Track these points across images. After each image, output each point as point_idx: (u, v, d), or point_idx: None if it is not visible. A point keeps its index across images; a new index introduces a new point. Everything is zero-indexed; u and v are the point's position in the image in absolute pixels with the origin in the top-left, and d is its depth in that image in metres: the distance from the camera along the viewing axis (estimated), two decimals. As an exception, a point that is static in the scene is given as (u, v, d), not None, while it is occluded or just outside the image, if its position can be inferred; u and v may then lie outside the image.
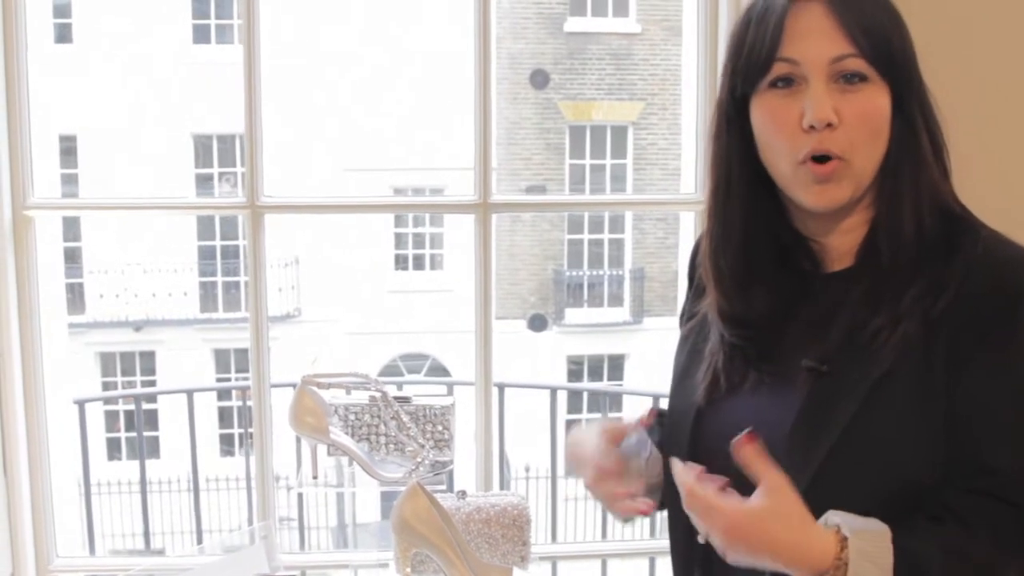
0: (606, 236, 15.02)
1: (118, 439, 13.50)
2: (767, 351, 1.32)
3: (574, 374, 14.89)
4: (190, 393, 3.73)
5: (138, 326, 13.90)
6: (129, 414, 13.55)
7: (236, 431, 13.64)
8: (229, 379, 13.88)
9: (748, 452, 1.17)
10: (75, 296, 13.59)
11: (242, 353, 14.42)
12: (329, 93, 13.73)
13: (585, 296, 14.91)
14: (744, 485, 1.19)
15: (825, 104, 1.22)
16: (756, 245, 1.33)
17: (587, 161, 14.70)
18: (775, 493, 1.15)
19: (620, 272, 14.99)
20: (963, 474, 1.19)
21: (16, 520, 2.37)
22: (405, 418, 2.11)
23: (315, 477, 2.11)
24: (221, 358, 14.45)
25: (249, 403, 2.47)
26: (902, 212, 1.26)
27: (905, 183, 1.26)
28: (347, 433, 2.16)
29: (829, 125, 1.23)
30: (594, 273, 14.95)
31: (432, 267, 15.01)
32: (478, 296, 2.44)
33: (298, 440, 2.87)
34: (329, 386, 2.05)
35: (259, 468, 2.43)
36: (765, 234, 1.33)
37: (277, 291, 14.31)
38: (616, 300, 14.93)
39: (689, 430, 1.37)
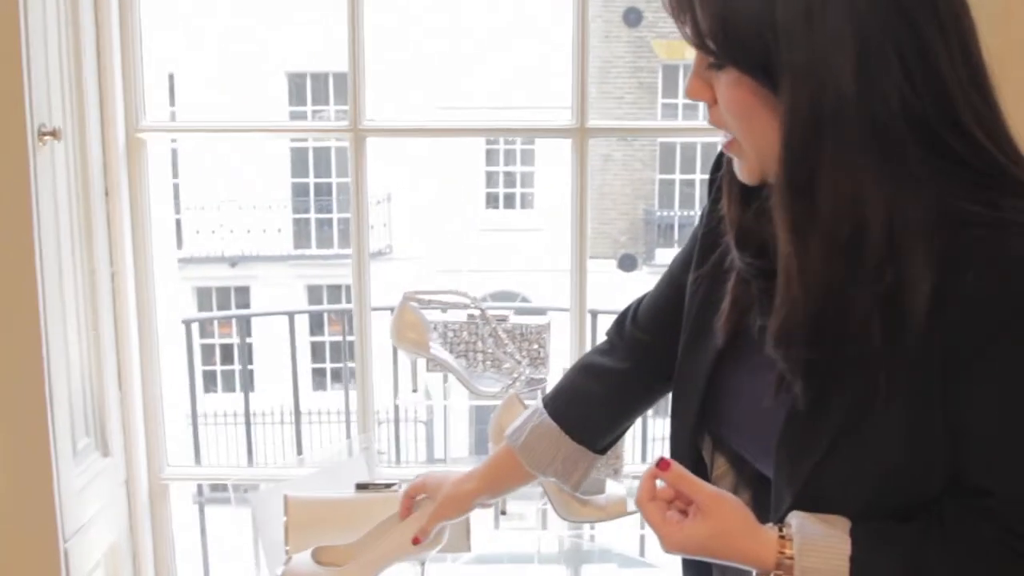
0: (697, 176, 14.93)
1: (214, 372, 13.83)
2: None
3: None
4: (291, 316, 3.85)
5: (233, 261, 14.18)
6: (225, 348, 13.87)
7: (329, 365, 13.91)
8: (322, 315, 14.12)
9: (669, 478, 1.19)
10: (173, 232, 13.91)
11: (334, 289, 14.66)
12: (424, 31, 13.78)
13: (676, 236, 14.86)
14: (754, 452, 1.24)
15: (689, 83, 1.17)
16: None
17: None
18: (709, 514, 1.17)
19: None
20: (960, 489, 1.12)
21: (130, 431, 2.49)
22: (503, 335, 2.17)
23: (415, 390, 2.19)
24: (314, 294, 14.69)
25: (349, 338, 2.56)
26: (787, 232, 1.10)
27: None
28: (446, 349, 2.23)
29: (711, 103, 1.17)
30: (685, 213, 14.89)
31: (523, 206, 15.07)
32: (574, 220, 2.49)
33: (395, 373, 2.95)
34: (429, 302, 2.13)
35: (359, 385, 2.52)
36: None
37: (369, 228, 14.48)
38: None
39: (701, 391, 1.31)
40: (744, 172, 1.19)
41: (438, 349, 2.18)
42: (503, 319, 2.23)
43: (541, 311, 2.36)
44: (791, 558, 1.13)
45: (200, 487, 4.16)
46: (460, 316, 2.27)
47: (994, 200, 1.08)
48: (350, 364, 2.52)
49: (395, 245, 14.69)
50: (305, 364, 13.83)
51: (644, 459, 4.19)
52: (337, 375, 14.04)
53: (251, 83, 13.92)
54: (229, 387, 13.65)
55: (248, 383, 10.38)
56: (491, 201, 15.11)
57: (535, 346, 2.22)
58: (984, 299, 1.05)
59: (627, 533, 2.61)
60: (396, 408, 4.08)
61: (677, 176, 14.94)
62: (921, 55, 1.06)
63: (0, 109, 1.94)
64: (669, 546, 1.18)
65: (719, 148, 1.25)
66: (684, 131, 4.52)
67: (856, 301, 1.08)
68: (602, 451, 1.56)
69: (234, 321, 12.92)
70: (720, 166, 1.31)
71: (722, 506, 1.17)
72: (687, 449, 1.33)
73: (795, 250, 1.09)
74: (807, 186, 1.07)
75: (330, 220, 14.79)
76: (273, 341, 11.77)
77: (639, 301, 1.54)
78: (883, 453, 1.11)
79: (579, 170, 2.45)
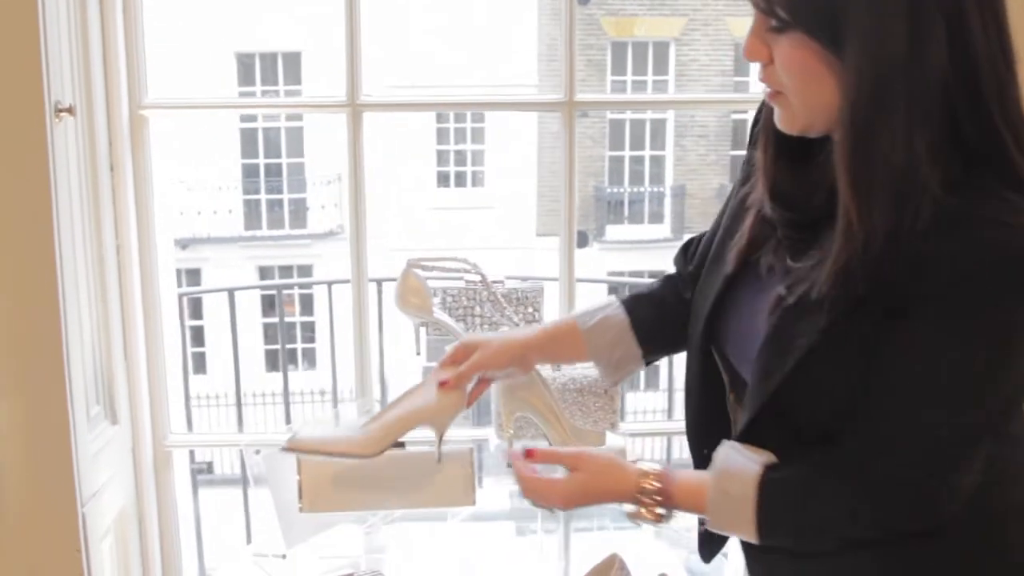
0: (647, 153, 15.07)
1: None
2: (799, 250, 1.33)
3: (614, 290, 15.00)
4: (231, 292, 4.00)
5: (184, 244, 14.12)
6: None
7: (282, 347, 13.89)
8: (273, 296, 14.09)
9: (539, 459, 1.48)
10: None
11: (286, 270, 14.64)
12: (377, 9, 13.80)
13: (626, 213, 15.00)
14: (746, 370, 1.39)
15: (748, 43, 1.27)
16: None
17: (629, 78, 14.70)
18: (577, 467, 1.44)
19: (661, 189, 15.06)
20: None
21: (136, 400, 2.56)
22: (501, 299, 2.27)
23: (418, 354, 2.28)
24: (266, 275, 14.68)
25: (305, 319, 2.65)
26: (849, 186, 1.22)
27: (850, 149, 1.21)
28: (447, 314, 2.32)
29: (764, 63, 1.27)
30: (635, 190, 15.03)
31: (474, 184, 15.13)
32: (566, 193, 2.59)
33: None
34: (432, 268, 2.21)
35: (356, 352, 2.61)
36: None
37: (320, 208, 14.46)
38: (656, 217, 15.01)
39: (709, 310, 1.46)
40: (785, 122, 1.29)
41: (440, 313, 2.27)
42: (499, 284, 2.33)
43: (533, 279, 2.47)
44: (655, 489, 1.38)
45: (193, 473, 4.23)
46: (458, 282, 2.37)
47: (978, 187, 1.19)
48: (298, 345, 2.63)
49: (346, 225, 14.68)
50: (257, 344, 13.81)
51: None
52: (293, 357, 14.06)
53: (200, 63, 13.84)
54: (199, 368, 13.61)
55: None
56: (442, 180, 15.16)
57: (530, 309, 2.32)
58: (934, 262, 1.17)
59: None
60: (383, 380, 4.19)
61: (627, 152, 15.07)
62: (960, 22, 1.18)
63: (20, 87, 2.00)
64: (558, 501, 1.45)
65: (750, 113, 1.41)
66: (681, 104, 4.65)
67: (903, 246, 1.19)
68: (649, 362, 1.70)
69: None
70: (758, 120, 1.42)
71: (584, 459, 1.44)
72: (696, 362, 1.51)
73: (856, 199, 1.20)
74: (867, 141, 1.19)
75: (280, 201, 14.77)
76: (223, 321, 11.68)
77: (700, 235, 1.67)
78: (838, 378, 1.25)
79: (568, 142, 2.54)
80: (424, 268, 2.24)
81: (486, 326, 2.34)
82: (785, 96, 1.26)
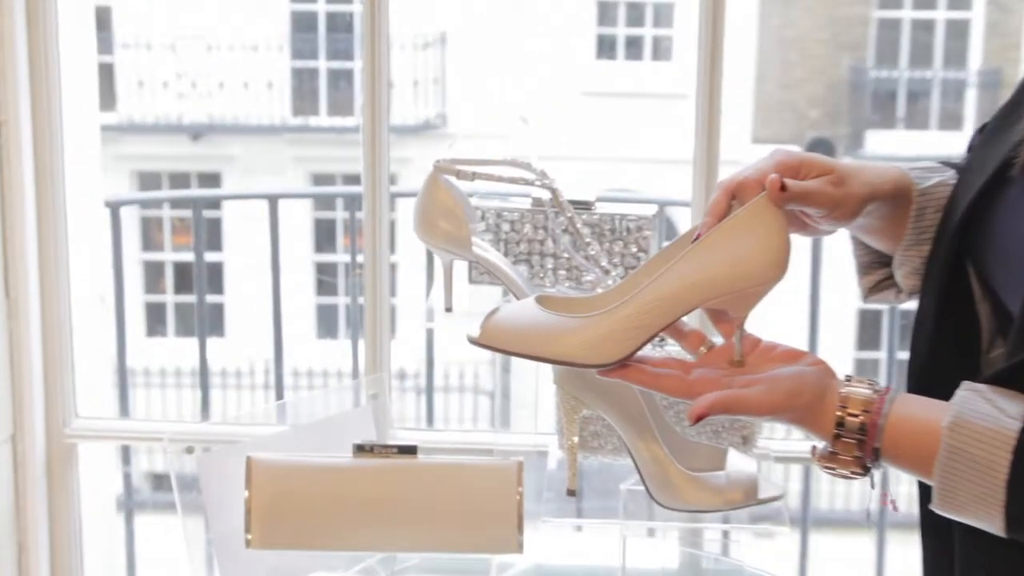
0: (941, 15, 14.82)
1: (162, 305, 14.08)
2: None
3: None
4: (273, 199, 4.04)
5: (197, 132, 14.33)
6: (182, 269, 14.10)
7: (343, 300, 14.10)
8: (334, 219, 14.25)
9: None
10: (102, 83, 14.02)
11: (355, 179, 14.74)
12: None
13: (901, 111, 14.79)
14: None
15: None
16: None
17: None
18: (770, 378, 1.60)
19: (961, 74, 14.81)
20: None
21: (20, 362, 2.63)
22: (584, 230, 2.27)
23: (449, 309, 2.29)
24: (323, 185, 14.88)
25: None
26: None
27: None
28: (499, 250, 2.33)
29: None
30: (918, 75, 14.81)
31: (656, 55, 15.05)
32: (701, 75, 2.59)
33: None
34: (474, 176, 2.22)
35: (370, 299, 2.65)
36: None
37: (411, 84, 14.55)
38: (952, 120, 14.79)
39: (962, 216, 1.63)
40: None
41: (486, 248, 2.28)
42: (585, 206, 2.33)
43: (647, 202, 2.44)
44: (857, 424, 1.54)
45: (127, 482, 4.33)
46: (523, 202, 2.38)
47: None
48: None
49: (450, 115, 14.74)
50: (309, 304, 14.02)
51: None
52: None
53: None
54: (186, 330, 13.89)
55: (212, 323, 10.59)
56: (604, 47, 15.14)
57: (632, 247, 2.31)
58: None
59: (776, 543, 2.70)
60: (429, 337, 4.25)
61: (907, 13, 14.83)
62: None
63: None
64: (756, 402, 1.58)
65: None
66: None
67: None
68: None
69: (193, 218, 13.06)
70: None
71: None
72: (937, 281, 1.67)
73: None
74: None
75: (349, 72, 14.86)
76: (258, 261, 11.90)
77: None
78: None
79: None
80: (462, 175, 2.25)
81: (562, 271, 2.34)
82: None
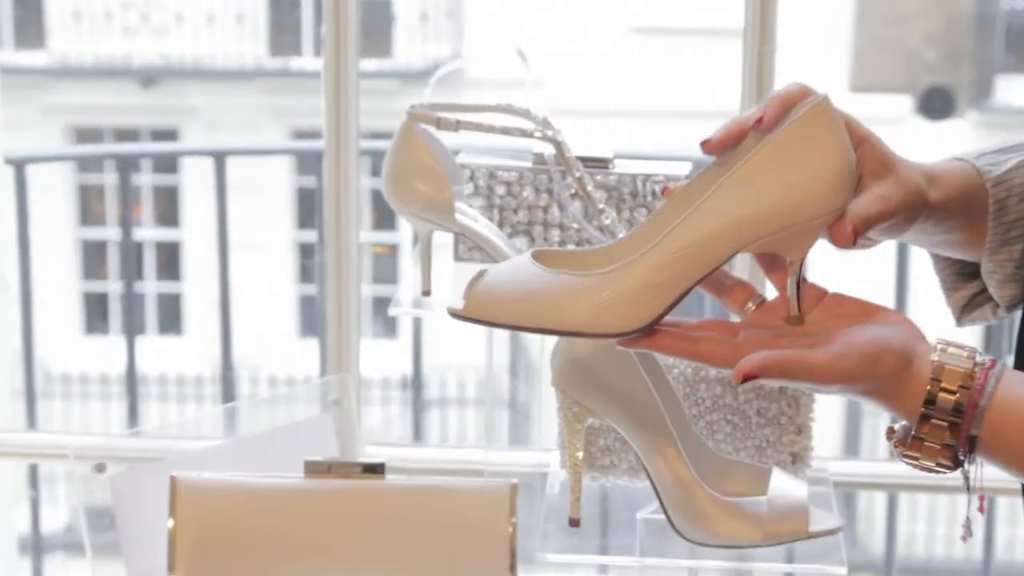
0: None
1: (103, 296, 14.12)
2: None
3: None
4: (218, 156, 4.01)
5: (149, 77, 14.37)
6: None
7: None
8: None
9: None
10: (27, 15, 14.07)
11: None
12: None
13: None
14: None
15: None
16: None
17: None
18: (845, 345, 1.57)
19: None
20: None
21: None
22: (598, 194, 2.23)
23: (426, 293, 2.25)
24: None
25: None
26: None
27: None
28: (490, 218, 2.29)
29: None
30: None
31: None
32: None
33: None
34: (459, 126, 2.18)
35: (332, 279, 2.62)
36: None
37: (419, 18, 14.59)
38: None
39: None
40: None
41: (473, 216, 2.24)
42: (601, 164, 2.29)
43: (679, 159, 2.38)
44: (951, 403, 1.52)
45: (35, 514, 4.29)
46: (522, 160, 2.34)
47: None
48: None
49: (467, 56, 14.78)
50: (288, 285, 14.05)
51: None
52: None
53: None
54: (136, 326, 13.89)
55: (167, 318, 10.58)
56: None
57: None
58: None
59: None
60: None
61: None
62: None
63: None
64: (826, 372, 1.54)
65: None
66: None
67: None
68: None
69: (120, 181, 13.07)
70: None
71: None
72: None
73: None
74: None
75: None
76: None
77: None
78: None
79: None
80: (443, 124, 2.21)
81: (570, 244, 2.30)
82: None
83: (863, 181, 1.65)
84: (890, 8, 14.23)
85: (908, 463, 1.56)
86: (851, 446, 10.77)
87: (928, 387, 1.51)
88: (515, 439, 10.29)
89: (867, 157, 1.66)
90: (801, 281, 1.59)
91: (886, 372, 1.52)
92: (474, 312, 1.63)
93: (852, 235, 1.57)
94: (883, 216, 1.63)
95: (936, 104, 14.41)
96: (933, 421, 1.51)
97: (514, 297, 1.62)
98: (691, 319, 1.64)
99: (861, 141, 1.65)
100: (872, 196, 1.63)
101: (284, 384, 12.01)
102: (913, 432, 1.53)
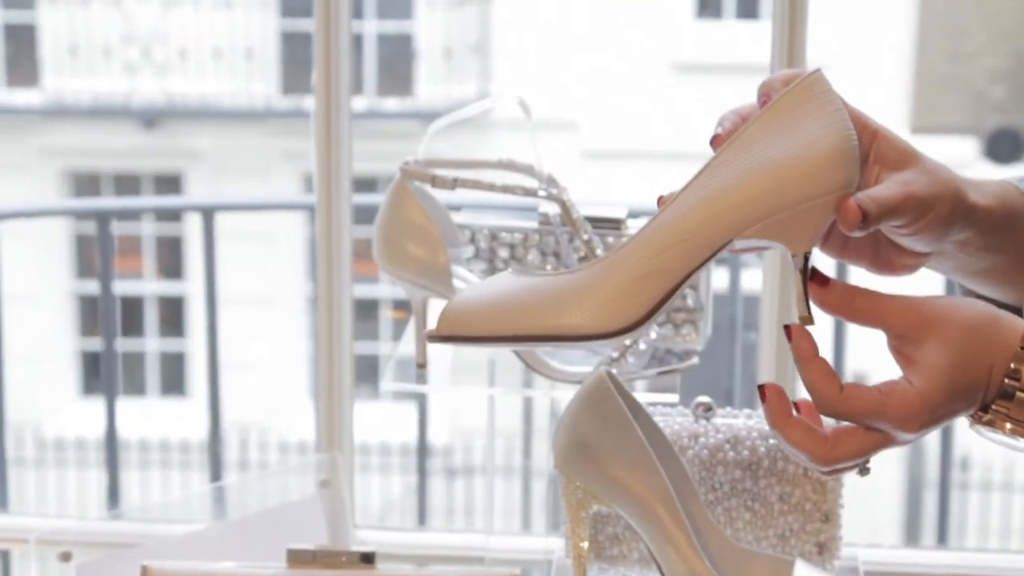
0: None
1: (95, 356, 14.13)
2: None
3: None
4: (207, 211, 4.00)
5: (151, 118, 14.41)
6: (131, 305, 14.15)
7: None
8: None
9: (833, 296, 1.60)
10: (21, 50, 14.12)
11: (366, 182, 14.85)
12: None
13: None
14: None
15: None
16: None
17: None
18: (934, 330, 1.59)
19: None
20: None
21: None
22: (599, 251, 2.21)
23: (421, 366, 2.24)
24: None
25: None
26: None
27: None
28: (491, 282, 2.27)
29: None
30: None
31: (744, 13, 15.15)
32: (778, 34, 2.55)
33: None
34: (455, 183, 2.16)
35: (323, 346, 2.60)
36: None
37: (442, 54, 14.61)
38: None
39: None
40: None
41: (472, 281, 2.22)
42: (613, 225, 2.27)
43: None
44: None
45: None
46: (528, 219, 2.32)
47: None
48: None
49: (495, 94, 14.82)
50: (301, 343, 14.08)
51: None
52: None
53: None
54: (135, 386, 13.95)
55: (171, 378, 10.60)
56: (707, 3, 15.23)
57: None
58: None
59: None
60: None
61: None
62: None
63: None
64: (909, 426, 1.56)
65: None
66: None
67: None
68: None
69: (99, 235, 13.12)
70: None
71: (947, 310, 1.60)
72: None
73: None
74: None
75: (359, 37, 14.95)
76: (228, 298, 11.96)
77: None
78: None
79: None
80: (439, 183, 2.20)
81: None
82: None
83: (880, 176, 1.64)
84: (953, 43, 14.24)
85: (984, 434, 1.60)
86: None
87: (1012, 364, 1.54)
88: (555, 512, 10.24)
89: (884, 150, 1.66)
90: (809, 268, 1.56)
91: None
92: (449, 328, 1.63)
93: (859, 215, 1.54)
94: (905, 201, 1.61)
95: (1004, 146, 14.42)
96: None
97: (492, 306, 1.62)
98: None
99: (874, 135, 1.65)
100: (890, 182, 1.63)
101: (298, 450, 12.03)
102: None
